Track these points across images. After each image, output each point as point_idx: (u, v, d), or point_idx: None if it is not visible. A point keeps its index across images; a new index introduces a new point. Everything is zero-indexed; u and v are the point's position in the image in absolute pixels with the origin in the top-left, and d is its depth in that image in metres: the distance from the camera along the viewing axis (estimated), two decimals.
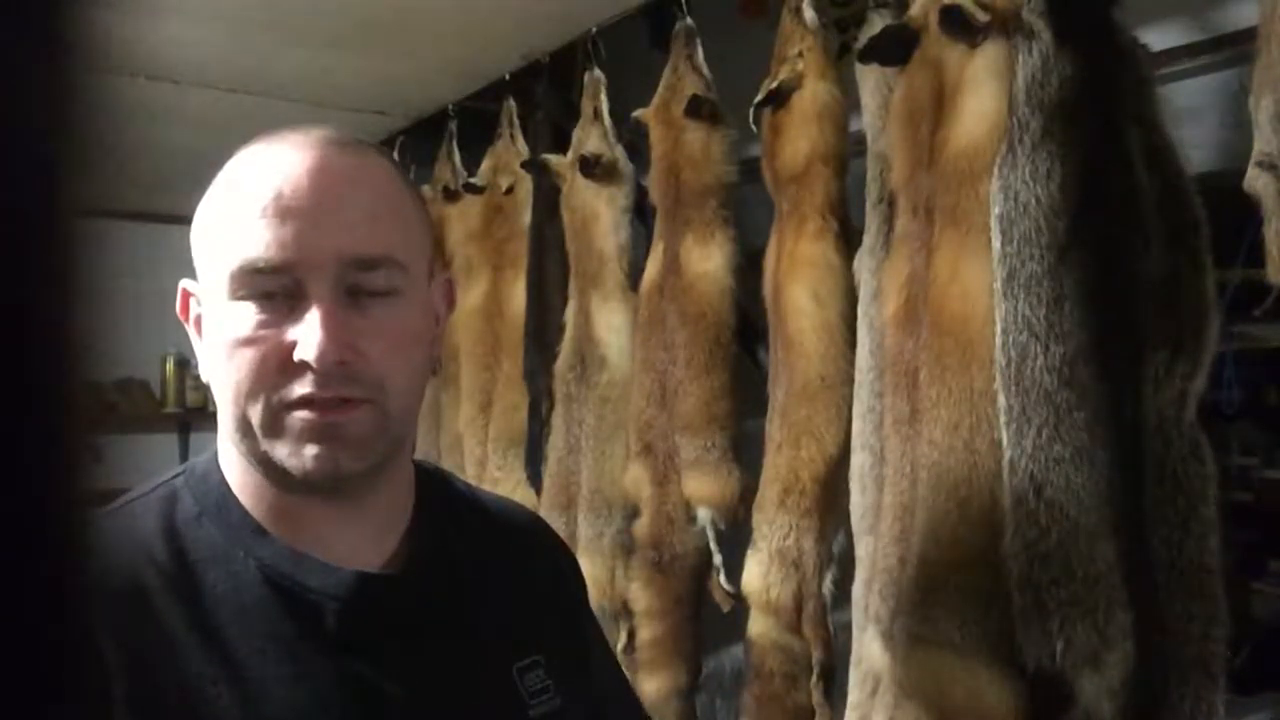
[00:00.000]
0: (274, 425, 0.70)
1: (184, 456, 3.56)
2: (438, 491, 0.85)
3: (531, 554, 0.90)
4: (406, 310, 0.73)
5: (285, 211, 0.69)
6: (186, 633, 0.69)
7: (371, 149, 0.78)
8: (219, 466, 0.76)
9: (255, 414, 0.70)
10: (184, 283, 0.77)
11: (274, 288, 0.69)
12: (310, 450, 0.69)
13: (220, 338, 0.71)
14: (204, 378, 0.75)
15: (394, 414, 0.73)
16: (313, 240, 0.69)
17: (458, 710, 0.76)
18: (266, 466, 0.72)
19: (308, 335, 0.68)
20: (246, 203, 0.69)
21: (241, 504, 0.75)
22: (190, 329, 0.77)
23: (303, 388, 0.69)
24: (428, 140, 2.41)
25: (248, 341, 0.69)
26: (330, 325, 0.68)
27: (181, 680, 0.67)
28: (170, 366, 3.57)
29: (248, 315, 0.69)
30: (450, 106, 2.33)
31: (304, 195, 0.69)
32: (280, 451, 0.70)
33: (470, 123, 2.34)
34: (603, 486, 1.84)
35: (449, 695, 0.75)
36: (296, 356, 0.68)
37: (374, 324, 0.71)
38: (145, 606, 0.68)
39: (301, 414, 0.69)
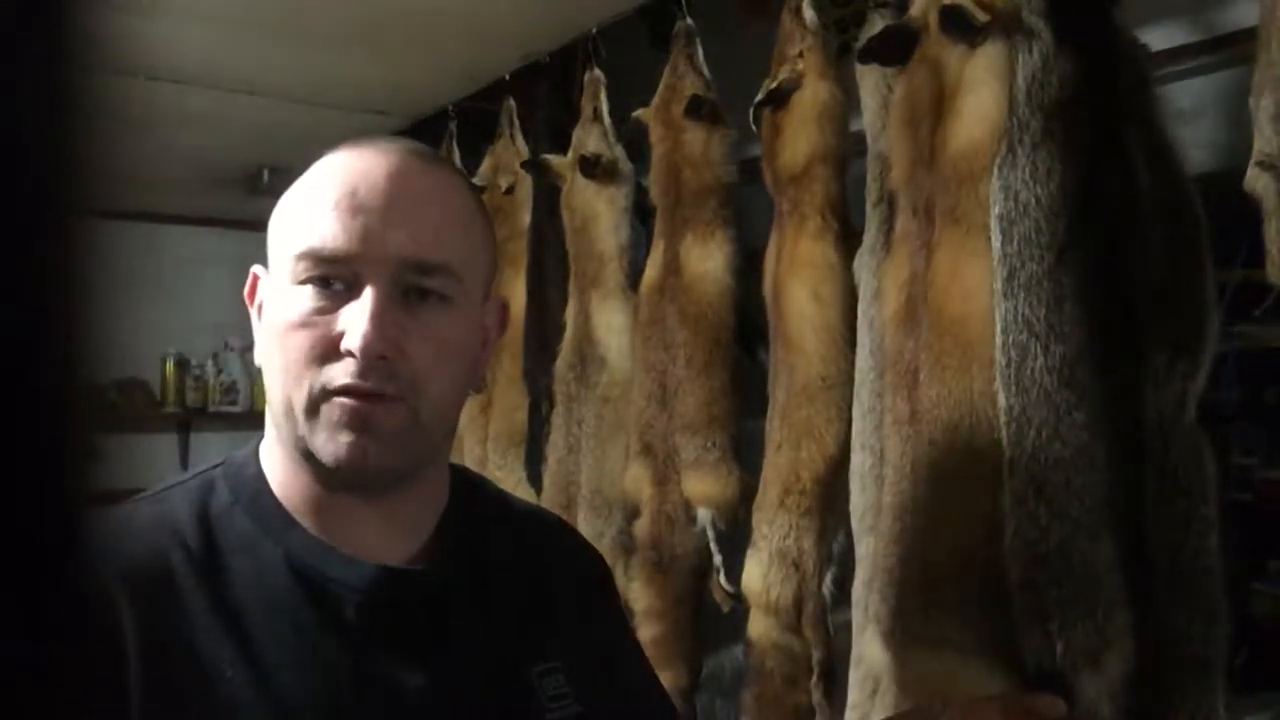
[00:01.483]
0: (313, 410, 0.72)
1: (184, 456, 3.56)
2: (470, 496, 0.87)
3: (559, 560, 0.91)
4: (455, 320, 0.76)
5: (357, 207, 0.72)
6: (208, 616, 0.71)
7: (450, 166, 0.83)
8: (257, 459, 0.79)
9: (298, 397, 0.72)
10: (255, 268, 0.80)
11: (333, 276, 0.72)
12: (344, 438, 0.72)
13: (277, 320, 0.74)
14: (257, 361, 0.78)
15: (426, 418, 0.75)
16: (377, 236, 0.72)
17: (473, 708, 0.77)
18: (303, 454, 0.74)
19: (355, 324, 0.71)
20: (323, 196, 0.73)
21: (275, 495, 0.77)
22: (253, 313, 0.80)
23: (344, 375, 0.71)
24: (428, 140, 2.40)
25: (300, 324, 0.72)
26: (378, 318, 0.71)
27: (197, 660, 0.69)
28: (170, 366, 3.57)
29: (304, 299, 0.73)
30: (450, 106, 2.33)
31: (378, 195, 0.73)
32: (317, 438, 0.72)
33: (470, 123, 2.34)
34: (603, 486, 1.84)
35: (465, 692, 0.76)
36: (343, 345, 0.71)
37: (421, 327, 0.74)
38: (170, 588, 0.71)
39: (340, 400, 0.72)
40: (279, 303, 0.75)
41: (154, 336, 3.17)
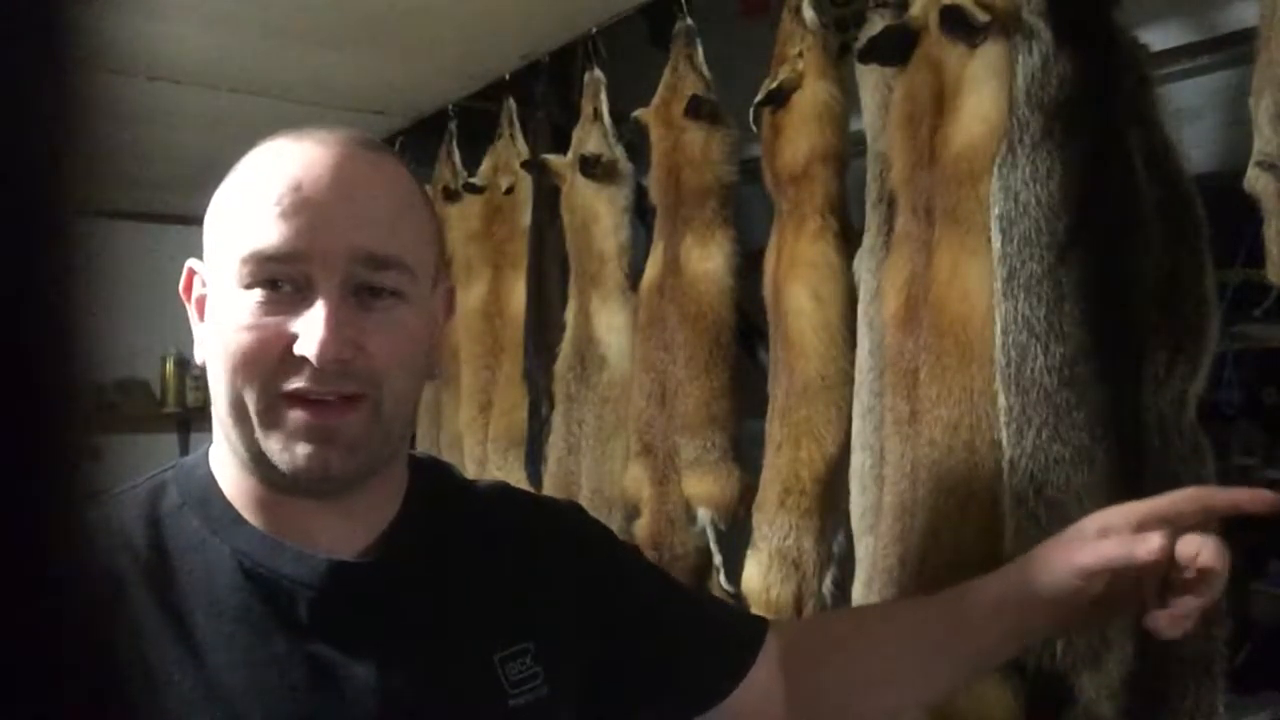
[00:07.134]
0: (270, 416, 0.70)
1: (183, 456, 3.55)
2: (432, 483, 0.85)
3: (530, 537, 0.88)
4: (409, 313, 0.74)
5: (302, 203, 0.69)
6: (155, 620, 0.70)
7: (390, 153, 0.79)
8: (208, 460, 0.78)
9: (251, 400, 0.70)
10: (190, 262, 0.77)
11: (282, 277, 0.70)
12: (302, 449, 0.70)
13: (224, 323, 0.71)
14: (198, 359, 0.76)
15: (388, 413, 0.73)
16: (326, 233, 0.70)
17: (429, 698, 0.75)
18: (256, 459, 0.72)
19: (310, 330, 0.69)
20: (265, 192, 0.70)
21: (224, 495, 0.75)
22: (191, 309, 0.77)
23: (299, 381, 0.69)
24: (428, 140, 2.41)
25: (250, 329, 0.70)
26: (334, 322, 0.69)
27: (144, 667, 0.67)
28: (170, 366, 3.57)
29: (253, 303, 0.70)
30: (450, 106, 2.32)
31: (323, 190, 0.70)
32: (272, 445, 0.70)
33: (470, 123, 2.34)
34: (603, 486, 1.84)
35: (421, 683, 0.75)
36: (297, 350, 0.69)
37: (377, 324, 0.71)
38: (116, 594, 0.68)
39: (297, 412, 0.70)
40: (225, 305, 0.71)
41: (154, 336, 3.16)
